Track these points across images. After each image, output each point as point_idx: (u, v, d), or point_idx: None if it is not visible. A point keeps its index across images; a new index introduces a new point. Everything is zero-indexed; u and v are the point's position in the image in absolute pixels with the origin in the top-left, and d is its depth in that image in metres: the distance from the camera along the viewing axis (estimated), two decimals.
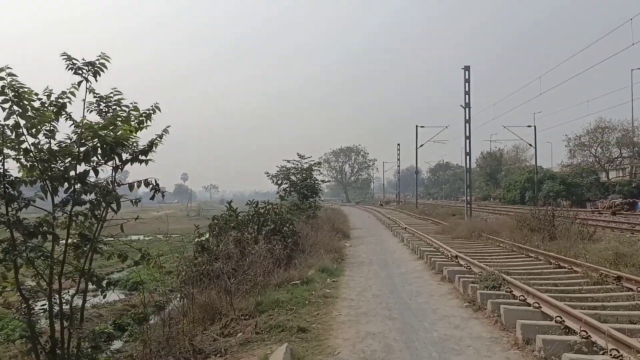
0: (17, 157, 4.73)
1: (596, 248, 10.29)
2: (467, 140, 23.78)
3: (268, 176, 22.00)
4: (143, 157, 5.29)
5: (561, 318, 5.44)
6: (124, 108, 5.21)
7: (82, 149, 4.89)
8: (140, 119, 5.30)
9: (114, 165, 5.19)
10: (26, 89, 4.61)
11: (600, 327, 4.78)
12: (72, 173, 4.85)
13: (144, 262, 5.53)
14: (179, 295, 7.49)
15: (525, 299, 6.54)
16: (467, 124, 23.64)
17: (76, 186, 4.90)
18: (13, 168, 4.74)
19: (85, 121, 4.92)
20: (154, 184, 5.33)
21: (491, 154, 68.81)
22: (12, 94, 4.45)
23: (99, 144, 4.86)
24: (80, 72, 4.91)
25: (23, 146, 4.75)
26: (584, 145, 49.23)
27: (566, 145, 50.13)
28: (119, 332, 10.32)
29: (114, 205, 5.00)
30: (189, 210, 70.08)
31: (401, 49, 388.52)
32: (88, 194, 4.98)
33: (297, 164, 21.93)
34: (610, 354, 4.41)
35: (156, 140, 5.34)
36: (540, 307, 6.03)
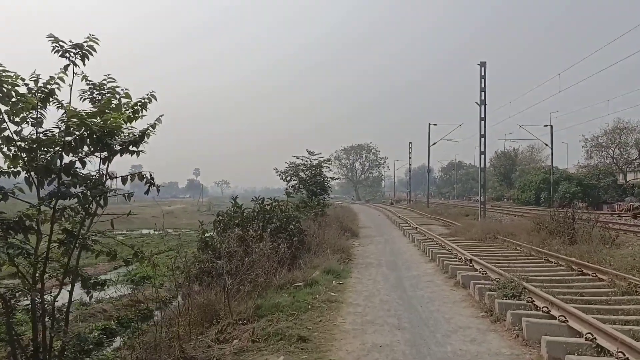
0: None
1: (621, 254, 9.68)
2: (482, 139, 23.19)
3: (277, 172, 21.64)
4: (134, 148, 4.91)
5: (592, 335, 4.89)
6: (117, 96, 4.89)
7: (68, 138, 4.56)
8: (135, 107, 4.99)
9: (103, 156, 4.85)
10: (10, 73, 4.28)
11: None
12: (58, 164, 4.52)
13: (134, 261, 5.17)
14: (181, 293, 7.17)
15: (549, 310, 5.98)
16: (482, 122, 23.07)
17: (63, 178, 4.57)
18: None
19: (70, 108, 4.57)
20: (149, 177, 4.99)
21: (505, 154, 67.46)
22: None
23: (86, 133, 4.53)
24: (67, 55, 4.56)
25: (5, 134, 4.42)
26: (601, 146, 48.01)
27: (583, 146, 48.97)
28: (122, 328, 10.07)
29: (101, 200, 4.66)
30: (200, 205, 70.39)
31: (411, 44, 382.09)
32: (78, 187, 4.63)
33: (307, 160, 21.52)
34: None
35: (148, 130, 4.96)
36: (567, 320, 5.47)
